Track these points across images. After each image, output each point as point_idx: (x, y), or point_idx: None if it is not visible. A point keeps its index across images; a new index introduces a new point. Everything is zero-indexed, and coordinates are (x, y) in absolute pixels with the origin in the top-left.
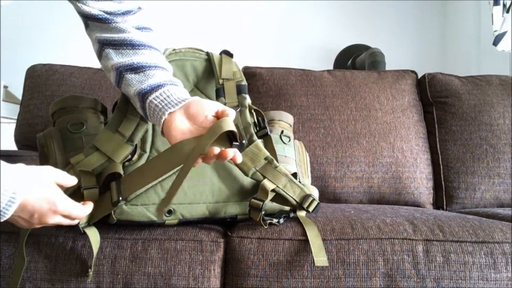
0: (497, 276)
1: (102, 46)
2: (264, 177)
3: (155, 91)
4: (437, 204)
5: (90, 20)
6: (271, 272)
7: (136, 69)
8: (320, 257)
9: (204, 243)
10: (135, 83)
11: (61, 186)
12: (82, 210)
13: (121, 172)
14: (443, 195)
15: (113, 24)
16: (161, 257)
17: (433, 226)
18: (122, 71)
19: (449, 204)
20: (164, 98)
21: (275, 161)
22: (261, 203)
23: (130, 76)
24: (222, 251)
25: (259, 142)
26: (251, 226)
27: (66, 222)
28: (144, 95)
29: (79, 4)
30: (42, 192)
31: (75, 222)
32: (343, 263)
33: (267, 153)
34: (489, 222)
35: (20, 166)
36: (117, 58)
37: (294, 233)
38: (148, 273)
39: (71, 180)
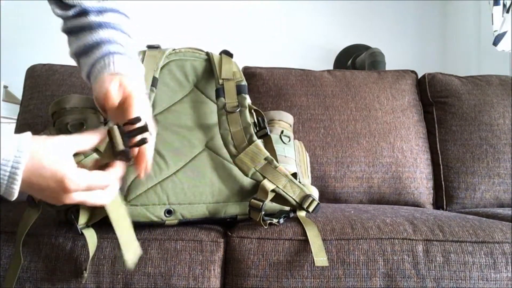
0: (497, 276)
1: (67, 37)
2: (264, 177)
3: (96, 66)
4: (437, 204)
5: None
6: (271, 272)
7: (86, 51)
8: (320, 257)
9: (204, 243)
10: (85, 66)
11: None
12: (106, 177)
13: None
14: (443, 195)
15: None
16: (161, 257)
17: (433, 226)
18: (78, 57)
19: (449, 204)
20: (99, 70)
21: (275, 161)
22: (261, 203)
23: (82, 61)
24: (222, 251)
25: (259, 142)
26: (251, 226)
27: (93, 200)
28: (89, 75)
29: (56, 10)
30: (46, 167)
31: (106, 198)
32: (343, 263)
33: (267, 153)
34: (489, 222)
35: (25, 135)
36: (75, 44)
37: (294, 233)
38: (148, 273)
39: (92, 140)
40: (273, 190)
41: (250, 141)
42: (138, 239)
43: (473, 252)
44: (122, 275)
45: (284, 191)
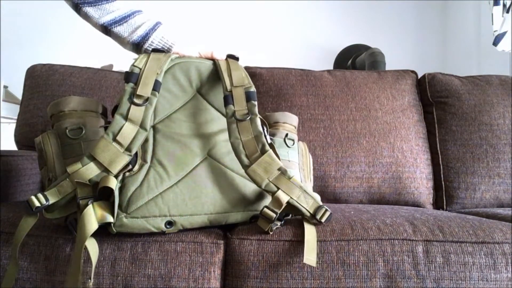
0: (497, 276)
1: (83, 7)
2: (278, 188)
3: (146, 40)
4: (437, 204)
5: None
6: (271, 274)
7: (119, 21)
8: (309, 256)
9: (204, 244)
10: (123, 33)
11: None
12: None
13: (113, 186)
14: (443, 195)
15: None
16: (161, 258)
17: (433, 226)
18: (107, 26)
19: (449, 204)
20: (159, 42)
21: (288, 172)
22: (275, 215)
23: (117, 29)
24: (222, 253)
25: (272, 152)
26: (251, 227)
27: None
28: (137, 45)
29: None
30: None
31: None
32: (343, 264)
33: (280, 164)
34: (489, 222)
35: None
36: (97, 14)
37: (294, 234)
38: (148, 275)
39: None
40: (287, 201)
41: (263, 151)
42: (138, 241)
43: (473, 252)
44: (122, 276)
45: (298, 202)
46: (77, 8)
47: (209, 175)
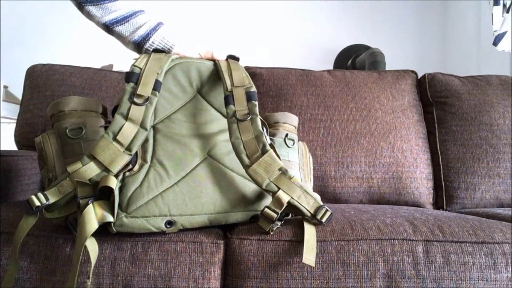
0: (497, 276)
1: (86, 6)
2: (279, 188)
3: (147, 40)
4: (437, 204)
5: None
6: (271, 274)
7: (121, 21)
8: (308, 256)
9: (204, 244)
10: (124, 33)
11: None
12: None
13: (113, 186)
14: (443, 195)
15: None
16: (161, 258)
17: (433, 226)
18: (109, 25)
19: (449, 204)
20: (159, 42)
21: (289, 172)
22: (276, 215)
23: (118, 29)
24: (222, 253)
25: (273, 152)
26: (251, 227)
27: None
28: (138, 44)
29: None
30: None
31: None
32: (343, 264)
33: (281, 164)
34: (489, 222)
35: None
36: (99, 13)
37: (294, 234)
38: (148, 275)
39: None
40: (287, 201)
41: (264, 151)
42: (138, 241)
43: (473, 252)
44: (122, 276)
45: (298, 202)
46: (80, 6)
47: (209, 175)
